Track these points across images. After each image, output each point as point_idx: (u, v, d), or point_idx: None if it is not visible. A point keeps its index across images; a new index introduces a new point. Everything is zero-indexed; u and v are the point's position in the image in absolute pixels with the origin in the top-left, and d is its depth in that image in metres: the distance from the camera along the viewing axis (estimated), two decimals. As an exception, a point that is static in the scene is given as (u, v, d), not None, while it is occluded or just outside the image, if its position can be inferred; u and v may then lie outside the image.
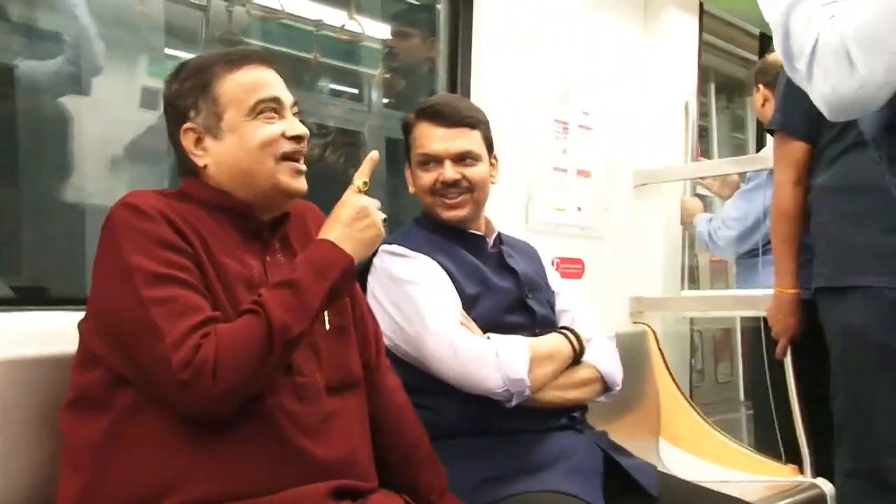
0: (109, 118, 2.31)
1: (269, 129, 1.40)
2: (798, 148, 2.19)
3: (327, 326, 1.43)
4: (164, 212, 1.31)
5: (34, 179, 2.20)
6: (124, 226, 1.29)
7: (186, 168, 1.44)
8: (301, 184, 1.43)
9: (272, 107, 1.41)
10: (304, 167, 1.44)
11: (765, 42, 3.89)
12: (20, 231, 2.20)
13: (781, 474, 2.44)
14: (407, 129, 1.88)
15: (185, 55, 2.46)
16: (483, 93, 2.46)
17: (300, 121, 1.45)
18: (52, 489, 1.31)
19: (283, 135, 1.41)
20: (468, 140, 1.83)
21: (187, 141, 1.41)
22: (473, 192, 1.83)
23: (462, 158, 1.82)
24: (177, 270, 1.27)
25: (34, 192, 2.21)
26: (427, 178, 1.82)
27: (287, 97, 1.44)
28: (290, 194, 1.43)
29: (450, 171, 1.80)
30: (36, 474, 1.40)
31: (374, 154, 1.47)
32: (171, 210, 1.33)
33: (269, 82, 1.43)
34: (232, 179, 1.41)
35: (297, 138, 1.42)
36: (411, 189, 1.90)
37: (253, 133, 1.39)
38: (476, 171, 1.82)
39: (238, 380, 1.23)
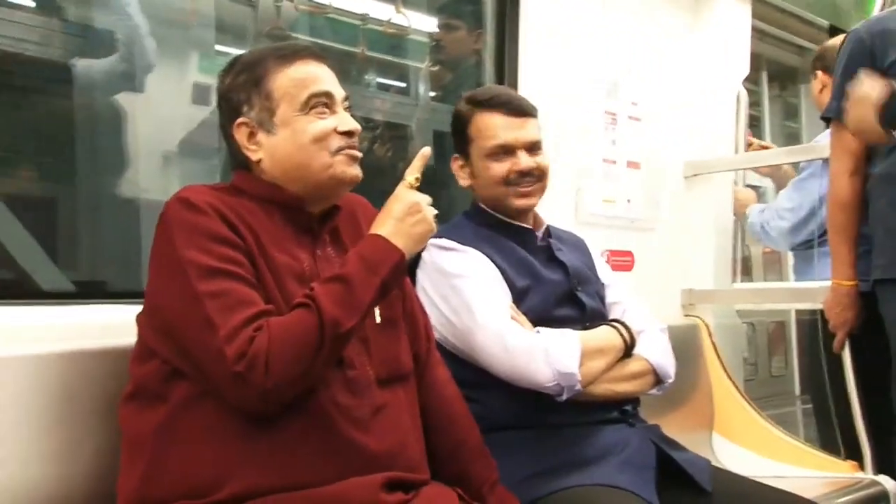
0: (162, 114, 2.35)
1: (321, 124, 1.41)
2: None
3: (378, 319, 1.44)
4: (216, 206, 1.33)
5: (91, 175, 2.24)
6: (178, 220, 1.31)
7: (239, 162, 1.46)
8: (356, 171, 1.44)
9: (324, 101, 1.42)
10: (359, 154, 1.44)
11: (834, 33, 3.79)
12: (79, 226, 2.24)
13: (840, 470, 2.39)
14: (463, 121, 1.85)
15: (235, 51, 2.48)
16: (531, 84, 2.44)
17: (351, 115, 1.46)
18: (114, 479, 1.34)
19: (335, 130, 1.41)
20: (535, 129, 1.83)
21: (240, 135, 1.43)
22: (542, 180, 1.83)
23: (532, 147, 1.82)
24: (229, 264, 1.28)
25: (91, 187, 2.25)
26: (500, 168, 1.81)
27: (339, 92, 1.45)
28: (346, 182, 1.44)
29: (526, 161, 1.79)
30: (98, 464, 1.43)
31: (426, 150, 1.47)
32: (224, 204, 1.34)
33: (320, 77, 1.44)
34: (285, 173, 1.42)
35: (348, 133, 1.43)
36: (465, 182, 1.87)
37: (305, 128, 1.40)
38: (544, 160, 1.83)
39: (289, 373, 1.23)
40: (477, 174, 1.84)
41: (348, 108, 1.46)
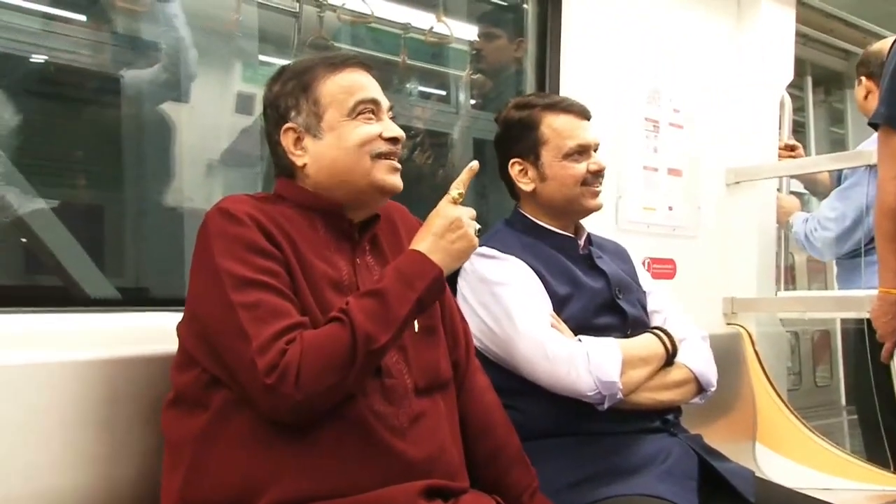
0: (206, 123, 2.38)
1: (367, 128, 1.43)
2: (904, 142, 2.10)
3: (416, 328, 1.45)
4: (255, 216, 1.34)
5: (137, 184, 2.28)
6: (217, 231, 1.33)
7: (282, 169, 1.48)
8: (397, 181, 1.45)
9: (370, 108, 1.45)
10: (399, 165, 1.46)
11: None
12: (124, 234, 2.28)
13: (889, 483, 2.35)
14: (532, 123, 1.84)
15: (279, 61, 2.51)
16: (572, 92, 2.43)
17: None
18: (157, 483, 1.36)
19: (380, 136, 1.44)
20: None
21: (287, 141, 1.45)
22: (602, 182, 1.86)
23: (597, 150, 1.86)
24: (265, 275, 1.30)
25: (137, 196, 2.29)
26: (579, 168, 1.82)
27: (384, 101, 1.48)
28: (387, 191, 1.46)
29: (599, 161, 1.84)
30: (141, 468, 1.46)
31: (474, 164, 1.47)
32: (263, 214, 1.36)
33: (367, 85, 1.46)
34: (330, 178, 1.44)
35: (393, 140, 1.45)
36: (529, 186, 1.84)
37: (352, 132, 1.43)
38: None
39: (320, 386, 1.24)
40: (551, 176, 1.83)
41: (393, 119, 1.49)
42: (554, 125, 1.83)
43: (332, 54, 1.55)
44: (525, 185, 1.85)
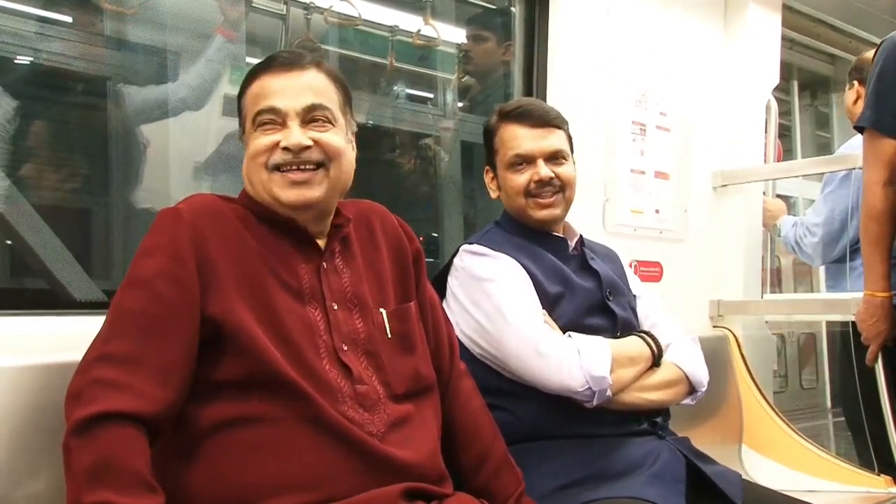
0: (194, 127, 2.37)
1: (261, 140, 1.37)
2: (889, 146, 2.12)
3: (388, 334, 1.44)
4: (199, 227, 1.32)
5: (124, 187, 2.27)
6: (151, 232, 1.34)
7: None
8: (294, 195, 1.36)
9: (269, 118, 1.37)
10: (299, 177, 1.36)
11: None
12: (111, 237, 2.27)
13: (874, 485, 2.36)
14: (490, 133, 1.88)
15: (265, 63, 2.50)
16: (559, 95, 2.44)
17: (324, 128, 1.39)
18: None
19: (277, 145, 1.36)
20: (557, 139, 1.83)
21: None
22: (565, 190, 1.83)
23: (553, 157, 1.82)
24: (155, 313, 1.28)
25: (123, 199, 2.28)
26: (519, 179, 1.81)
27: (293, 104, 1.37)
28: (288, 205, 1.38)
29: (544, 170, 1.80)
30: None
31: None
32: (214, 218, 1.35)
33: (273, 92, 1.38)
34: (250, 188, 1.42)
35: (288, 149, 1.35)
36: (494, 194, 1.89)
37: (250, 144, 1.39)
38: (566, 170, 1.83)
39: None
40: (502, 186, 1.86)
41: (320, 119, 1.39)
42: (503, 135, 1.84)
43: (270, 55, 1.45)
44: (493, 192, 1.90)
